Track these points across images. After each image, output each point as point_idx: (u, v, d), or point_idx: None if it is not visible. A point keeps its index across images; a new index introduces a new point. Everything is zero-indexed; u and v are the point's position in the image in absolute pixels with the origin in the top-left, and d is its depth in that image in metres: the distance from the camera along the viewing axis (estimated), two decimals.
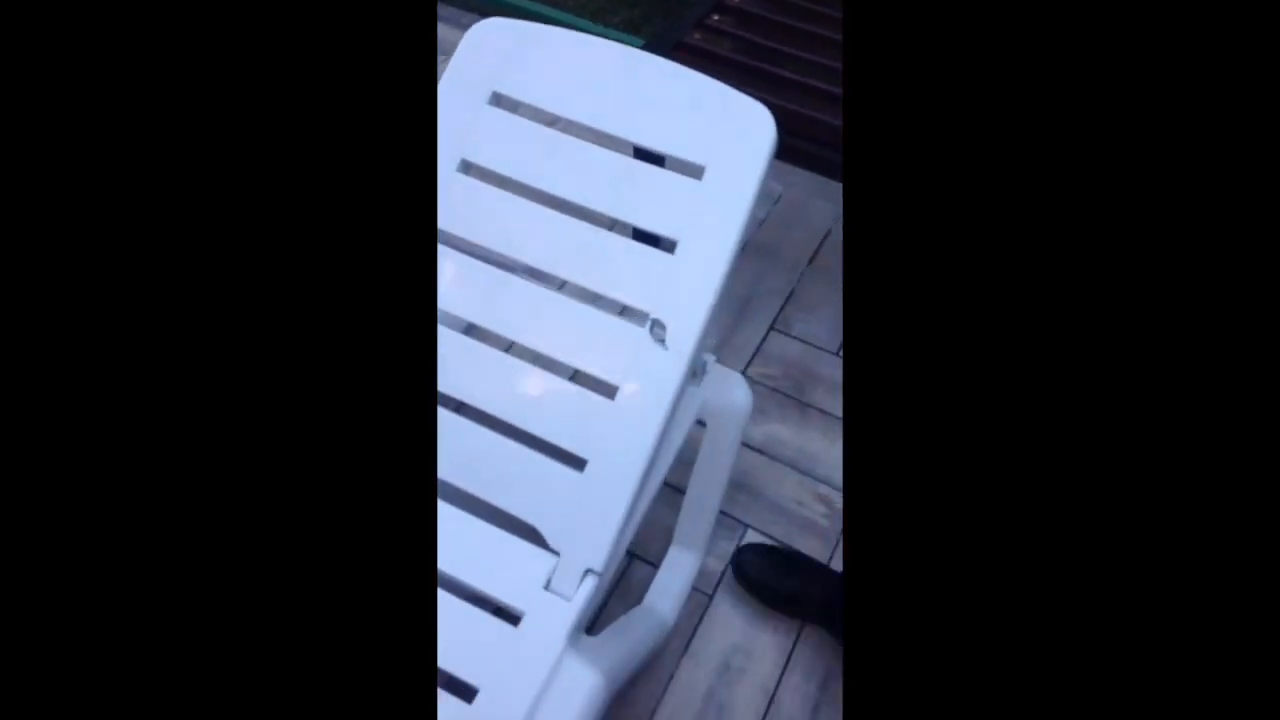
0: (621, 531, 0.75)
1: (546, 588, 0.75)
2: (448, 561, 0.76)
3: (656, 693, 0.98)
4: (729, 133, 0.78)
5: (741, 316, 1.35)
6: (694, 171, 0.78)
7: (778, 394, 1.25)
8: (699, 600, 1.04)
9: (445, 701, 0.69)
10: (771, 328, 1.34)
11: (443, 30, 1.71)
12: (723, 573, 1.08)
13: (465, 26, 0.86)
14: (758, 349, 1.32)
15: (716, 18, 1.18)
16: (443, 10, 1.77)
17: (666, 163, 0.81)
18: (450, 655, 0.71)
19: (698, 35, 1.14)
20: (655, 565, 1.07)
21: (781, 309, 1.36)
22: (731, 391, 0.93)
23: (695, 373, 0.77)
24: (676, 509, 1.04)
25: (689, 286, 0.77)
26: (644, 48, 1.13)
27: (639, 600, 1.03)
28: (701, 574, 1.07)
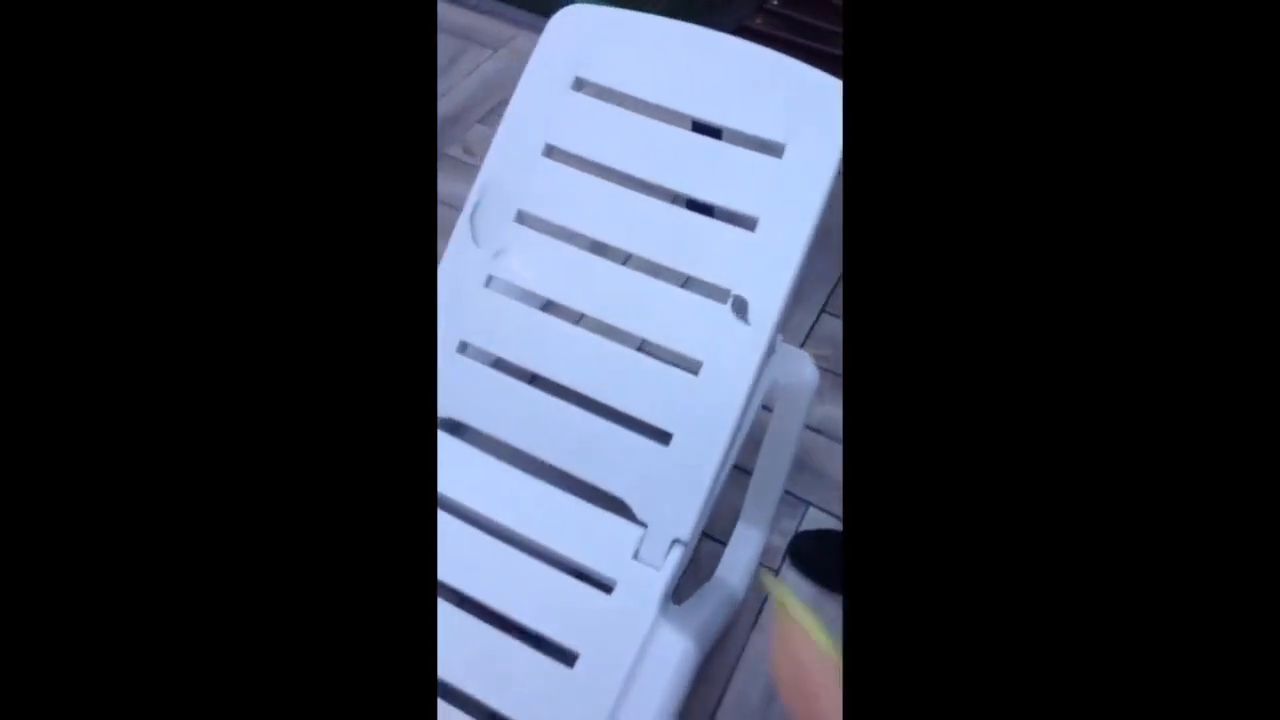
0: (707, 503, 0.78)
1: (635, 558, 0.77)
2: (541, 532, 0.78)
3: (729, 664, 1.01)
4: (808, 110, 0.80)
5: (794, 298, 1.37)
6: (774, 150, 0.80)
7: (830, 374, 1.27)
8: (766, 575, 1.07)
9: (547, 665, 0.72)
10: (823, 309, 1.36)
11: (494, 24, 1.74)
12: (787, 549, 1.10)
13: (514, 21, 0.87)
14: (810, 330, 1.34)
15: (775, 1, 1.19)
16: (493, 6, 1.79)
17: (746, 143, 0.82)
18: (548, 621, 0.74)
19: (759, 20, 1.16)
20: (723, 542, 1.09)
21: (833, 291, 1.38)
22: (800, 370, 0.95)
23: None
24: (742, 488, 1.07)
25: (770, 263, 0.79)
26: None
27: (709, 576, 1.05)
28: (767, 550, 1.09)
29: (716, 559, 1.06)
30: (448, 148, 1.52)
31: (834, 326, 1.34)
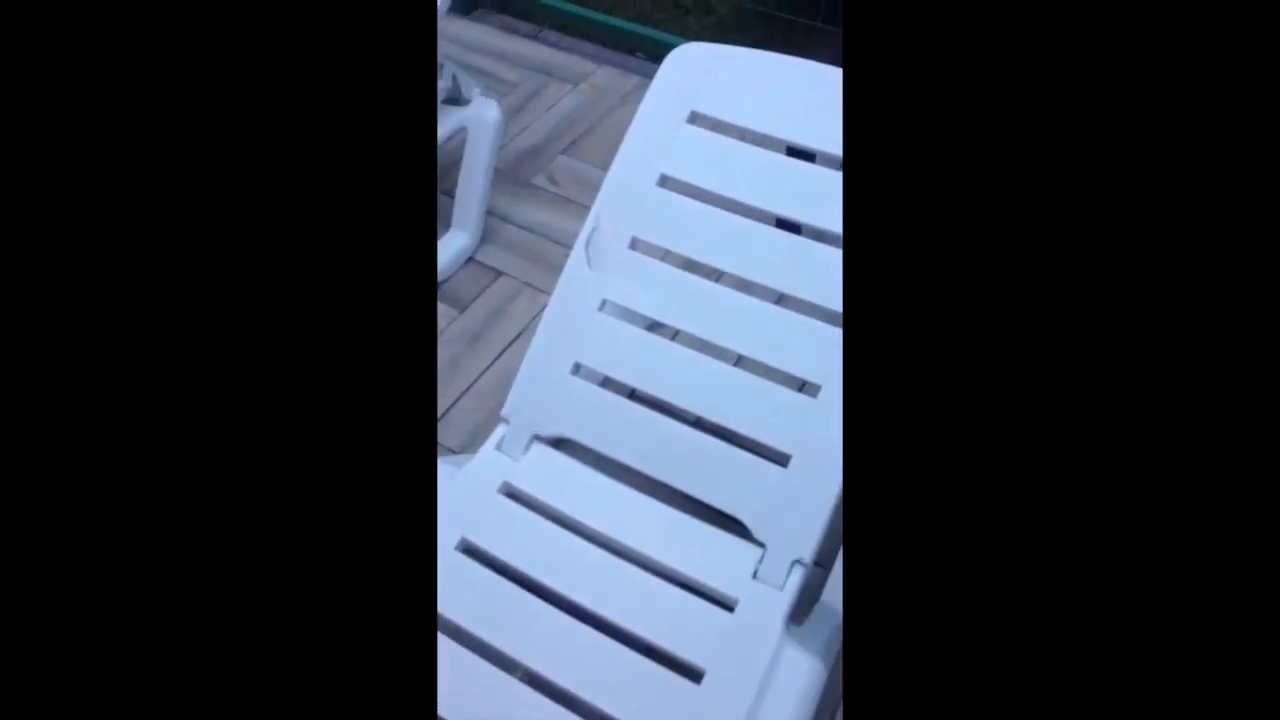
0: (829, 524, 0.78)
1: (754, 578, 0.78)
2: (659, 550, 0.80)
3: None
4: None
5: None
6: None
7: None
8: None
9: (674, 682, 0.73)
10: None
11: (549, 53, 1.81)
12: None
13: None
14: None
15: None
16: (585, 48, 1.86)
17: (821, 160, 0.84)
18: (672, 638, 0.75)
19: None
20: (826, 567, 1.09)
21: None
22: None
23: None
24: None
25: None
26: None
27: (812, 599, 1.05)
28: None
29: (819, 582, 1.06)
30: (533, 178, 1.58)
31: None
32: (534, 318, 0.84)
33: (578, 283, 0.89)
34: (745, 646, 0.74)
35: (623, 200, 0.89)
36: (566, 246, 0.92)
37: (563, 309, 0.90)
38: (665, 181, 0.89)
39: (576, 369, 0.88)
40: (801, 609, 0.80)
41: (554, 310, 0.90)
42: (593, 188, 0.90)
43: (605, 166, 0.90)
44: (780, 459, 0.80)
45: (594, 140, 1.65)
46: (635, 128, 0.90)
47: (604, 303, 0.88)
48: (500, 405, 0.89)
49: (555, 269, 0.91)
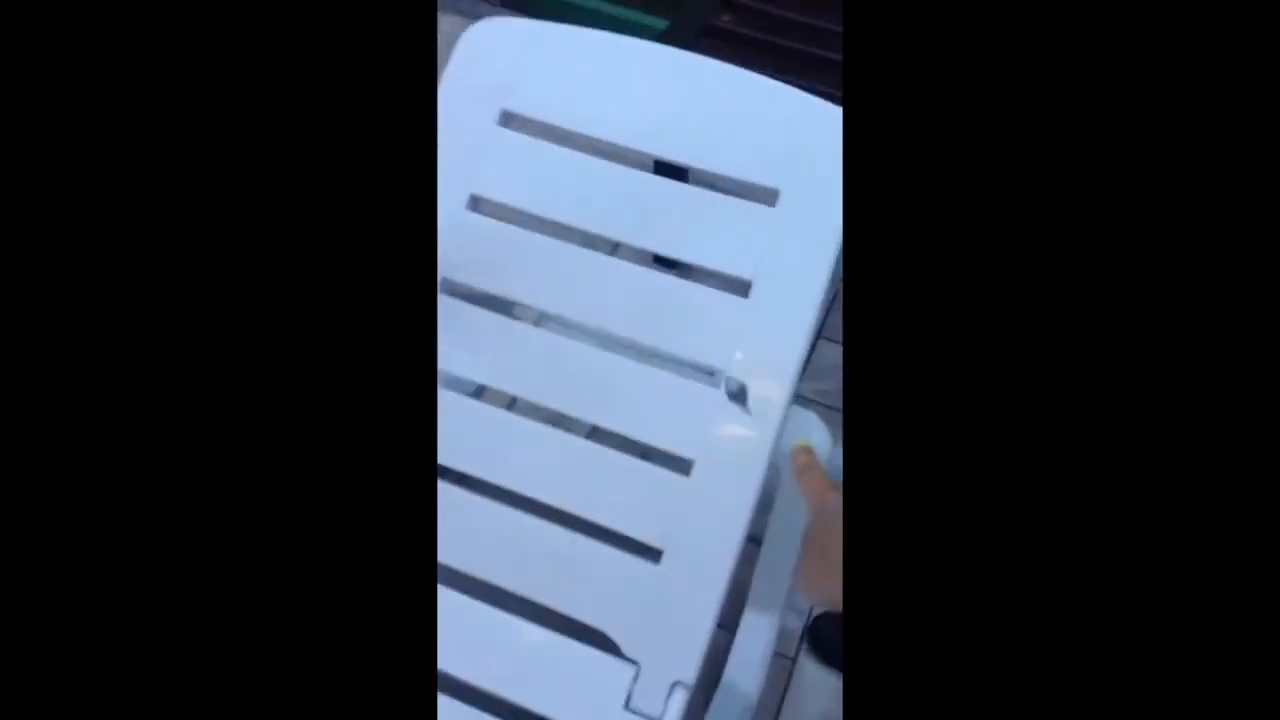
0: (711, 634, 0.63)
1: (627, 706, 0.62)
2: (507, 683, 0.63)
3: None
4: (802, 147, 0.64)
5: None
6: (764, 197, 0.64)
7: (834, 411, 1.12)
8: (781, 665, 0.93)
9: None
10: (820, 335, 1.21)
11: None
12: (804, 631, 0.96)
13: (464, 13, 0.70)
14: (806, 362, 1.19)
15: None
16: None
17: (728, 188, 0.66)
18: None
19: (726, 17, 0.99)
20: (727, 628, 0.95)
21: (828, 313, 1.23)
22: (807, 432, 0.81)
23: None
24: (749, 563, 0.92)
25: (772, 337, 0.63)
26: (666, 34, 0.98)
27: (713, 669, 0.91)
28: (782, 634, 0.95)
29: (723, 649, 0.92)
30: None
31: (834, 354, 1.19)
32: None
33: None
34: None
35: None
36: None
37: None
38: (478, 205, 0.69)
39: None
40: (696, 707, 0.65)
41: None
42: None
43: None
44: (650, 554, 0.64)
45: None
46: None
47: None
48: None
49: None
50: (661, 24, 1.30)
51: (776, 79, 0.65)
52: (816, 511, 0.41)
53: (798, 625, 0.97)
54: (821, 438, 0.80)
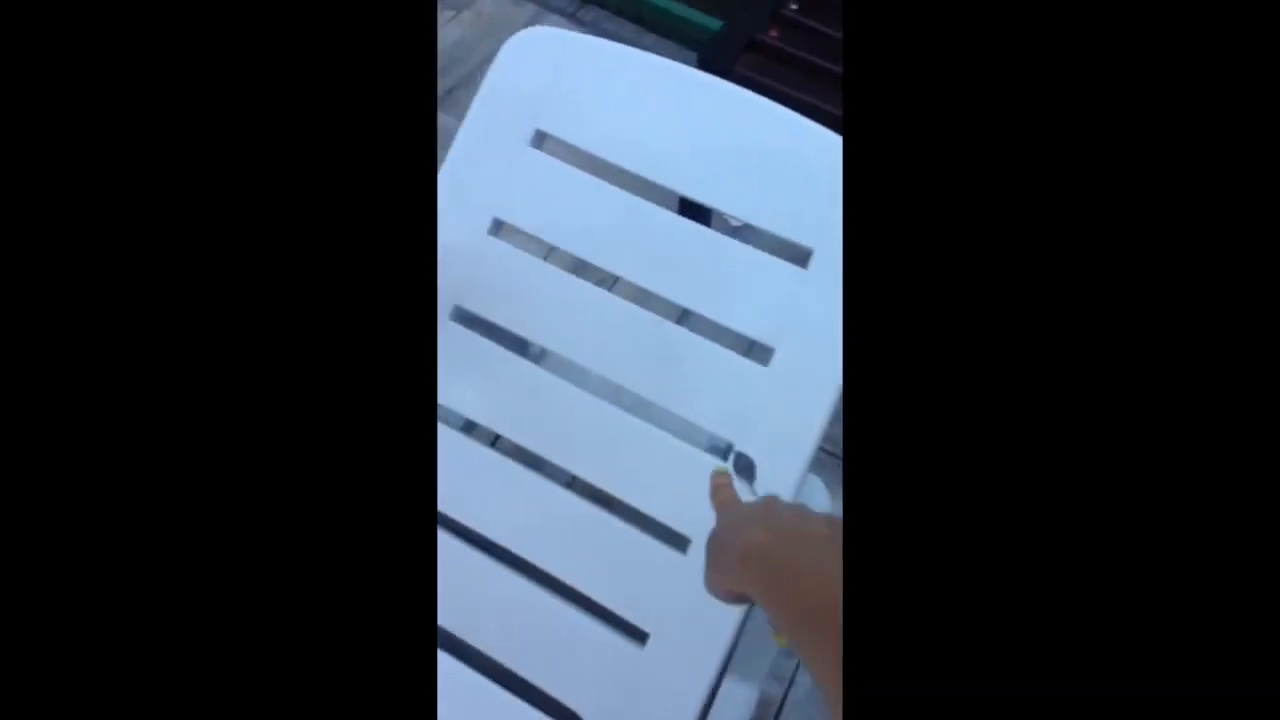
0: None
1: None
2: None
3: None
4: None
5: None
6: (796, 255, 0.59)
7: (834, 458, 1.08)
8: None
9: None
10: None
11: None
12: (783, 698, 0.93)
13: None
14: None
15: (794, 6, 0.95)
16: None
17: (757, 240, 0.61)
18: None
19: (774, 32, 0.92)
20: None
21: None
22: (810, 497, 0.77)
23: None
24: None
25: (787, 414, 0.59)
26: (711, 46, 0.92)
27: None
28: (763, 701, 0.92)
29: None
30: None
31: None
32: None
33: None
34: None
35: (443, 251, 0.64)
36: None
37: None
38: (500, 229, 0.63)
39: None
40: None
41: None
42: None
43: None
44: (636, 635, 0.60)
45: (474, 91, 1.34)
46: (460, 147, 0.63)
47: None
48: None
49: None
50: (716, 25, 1.23)
51: (815, 105, 0.60)
52: (720, 517, 0.45)
53: (778, 692, 0.94)
54: (822, 502, 0.76)
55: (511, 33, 0.62)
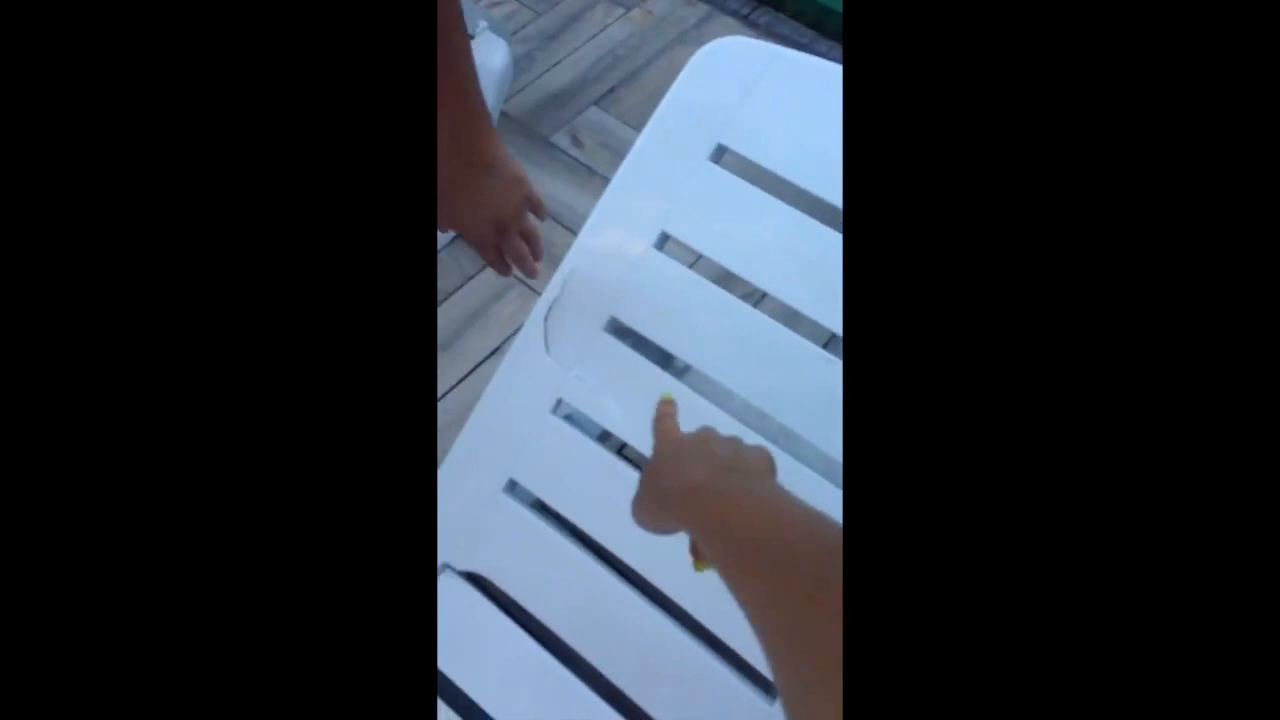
0: None
1: None
2: None
3: None
4: None
5: None
6: None
7: None
8: None
9: None
10: None
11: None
12: None
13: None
14: None
15: None
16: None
17: None
18: None
19: None
20: None
21: None
22: None
23: None
24: None
25: None
26: None
27: None
28: None
29: None
30: (553, 134, 1.28)
31: None
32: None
33: (526, 369, 0.64)
34: None
35: (603, 262, 0.62)
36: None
37: (503, 404, 0.65)
38: (667, 243, 0.60)
39: (511, 487, 0.64)
40: None
41: (491, 402, 0.65)
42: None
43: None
44: (767, 688, 0.56)
45: (638, 91, 1.32)
46: (636, 155, 0.61)
47: (559, 402, 0.63)
48: (462, 440, 0.66)
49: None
50: None
51: None
52: (659, 446, 0.45)
53: None
54: None
55: (680, 32, 0.60)
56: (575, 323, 0.62)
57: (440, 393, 1.05)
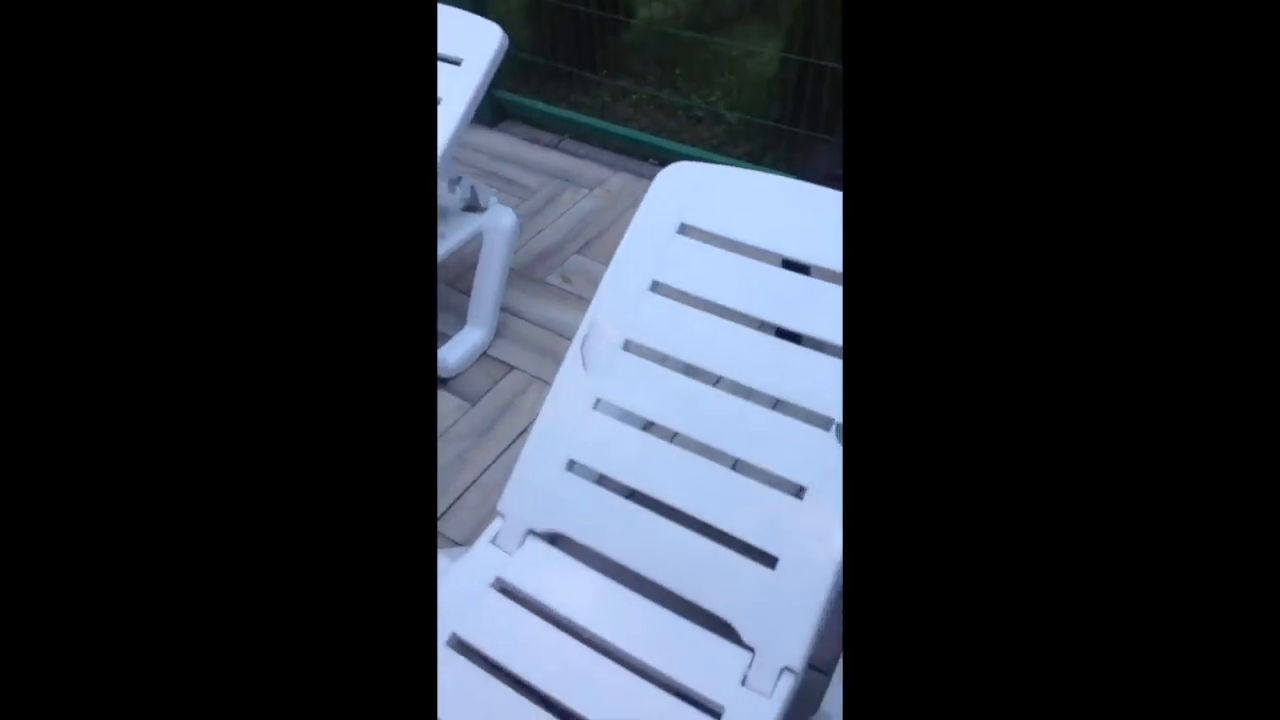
0: (818, 630, 0.77)
1: (743, 684, 0.77)
2: (646, 652, 0.79)
3: None
4: None
5: None
6: None
7: None
8: None
9: None
10: None
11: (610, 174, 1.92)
12: None
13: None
14: None
15: None
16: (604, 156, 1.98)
17: (835, 279, 0.88)
18: None
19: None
20: (826, 673, 1.06)
21: None
22: None
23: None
24: None
25: None
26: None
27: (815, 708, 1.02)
28: None
29: (820, 690, 1.03)
30: (548, 276, 1.66)
31: None
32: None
33: (572, 382, 0.93)
34: None
35: (616, 304, 0.94)
36: None
37: (557, 408, 0.93)
38: (657, 287, 0.93)
39: (570, 465, 0.91)
40: (798, 709, 0.78)
41: (549, 409, 0.93)
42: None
43: None
44: (768, 560, 0.81)
45: (606, 241, 1.73)
46: (629, 237, 0.96)
47: (598, 402, 0.92)
48: (531, 437, 0.92)
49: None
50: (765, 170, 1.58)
51: None
52: None
53: None
54: None
55: (634, 200, 0.96)
56: (601, 346, 0.93)
57: (483, 468, 1.30)
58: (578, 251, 1.72)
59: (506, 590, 0.86)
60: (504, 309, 1.52)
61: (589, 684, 0.78)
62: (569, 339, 0.95)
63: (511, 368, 1.45)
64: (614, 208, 1.80)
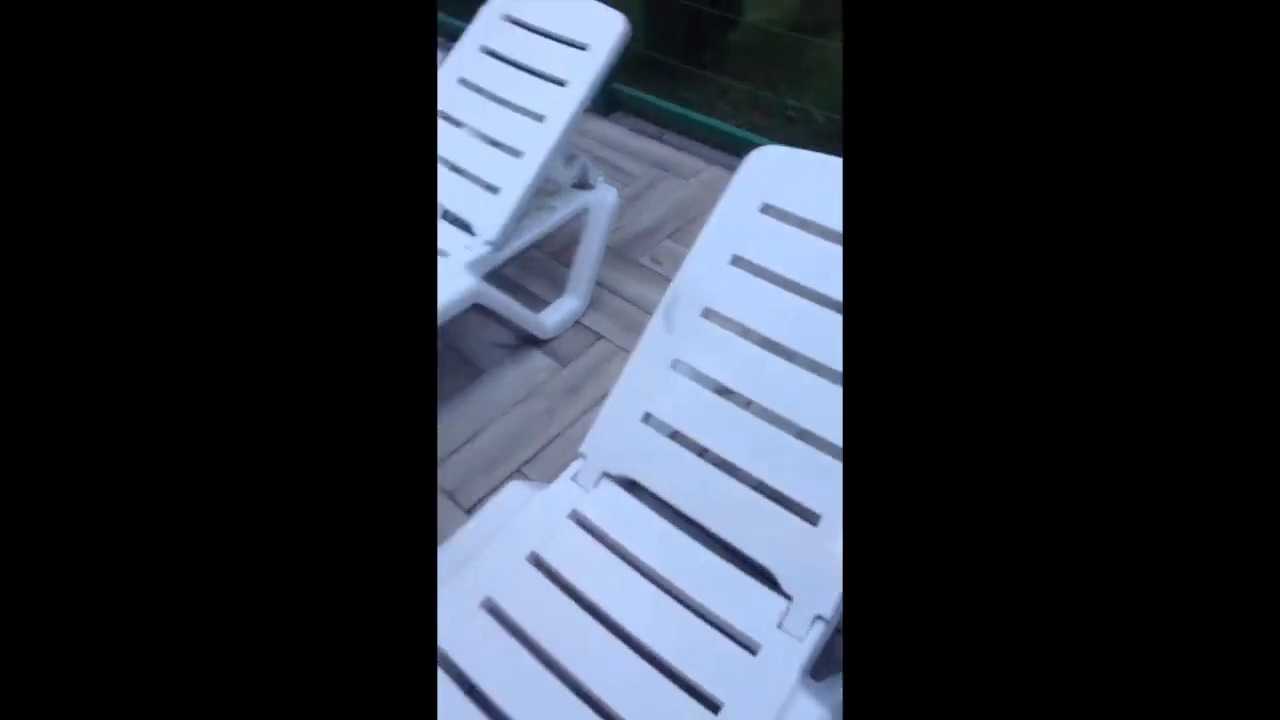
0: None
1: (779, 627, 0.84)
2: (697, 590, 0.88)
3: None
4: None
5: None
6: None
7: None
8: None
9: (694, 709, 0.79)
10: None
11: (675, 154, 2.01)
12: None
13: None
14: None
15: None
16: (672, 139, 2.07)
17: None
18: (699, 671, 0.81)
19: None
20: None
21: None
22: None
23: None
24: None
25: None
26: None
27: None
28: None
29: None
30: (641, 257, 1.76)
31: None
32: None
33: (654, 343, 1.02)
34: (762, 688, 0.80)
35: (699, 275, 1.03)
36: None
37: (639, 365, 1.02)
38: (738, 261, 1.01)
39: (647, 418, 1.00)
40: (823, 666, 0.84)
41: (632, 365, 1.03)
42: None
43: None
44: (811, 517, 0.87)
45: (696, 228, 1.78)
46: (715, 215, 1.04)
47: (675, 362, 1.00)
48: (612, 394, 1.02)
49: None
50: None
51: None
52: None
53: None
54: None
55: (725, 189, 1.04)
56: (683, 312, 1.01)
57: (569, 423, 1.42)
58: (669, 236, 1.81)
59: (581, 522, 0.96)
60: (599, 283, 1.63)
61: (642, 608, 0.87)
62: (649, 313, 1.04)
63: (600, 336, 1.56)
64: (706, 199, 1.88)
